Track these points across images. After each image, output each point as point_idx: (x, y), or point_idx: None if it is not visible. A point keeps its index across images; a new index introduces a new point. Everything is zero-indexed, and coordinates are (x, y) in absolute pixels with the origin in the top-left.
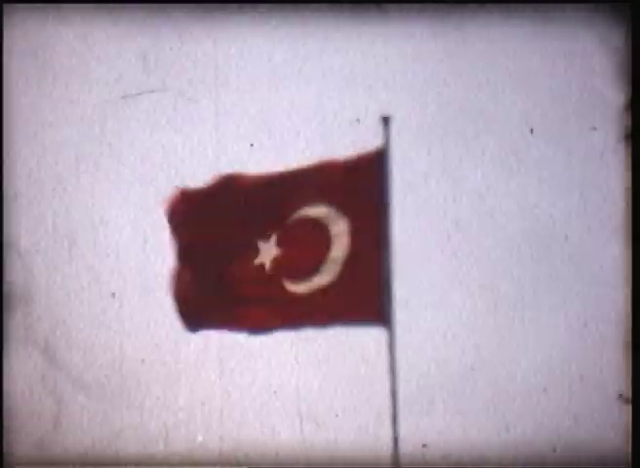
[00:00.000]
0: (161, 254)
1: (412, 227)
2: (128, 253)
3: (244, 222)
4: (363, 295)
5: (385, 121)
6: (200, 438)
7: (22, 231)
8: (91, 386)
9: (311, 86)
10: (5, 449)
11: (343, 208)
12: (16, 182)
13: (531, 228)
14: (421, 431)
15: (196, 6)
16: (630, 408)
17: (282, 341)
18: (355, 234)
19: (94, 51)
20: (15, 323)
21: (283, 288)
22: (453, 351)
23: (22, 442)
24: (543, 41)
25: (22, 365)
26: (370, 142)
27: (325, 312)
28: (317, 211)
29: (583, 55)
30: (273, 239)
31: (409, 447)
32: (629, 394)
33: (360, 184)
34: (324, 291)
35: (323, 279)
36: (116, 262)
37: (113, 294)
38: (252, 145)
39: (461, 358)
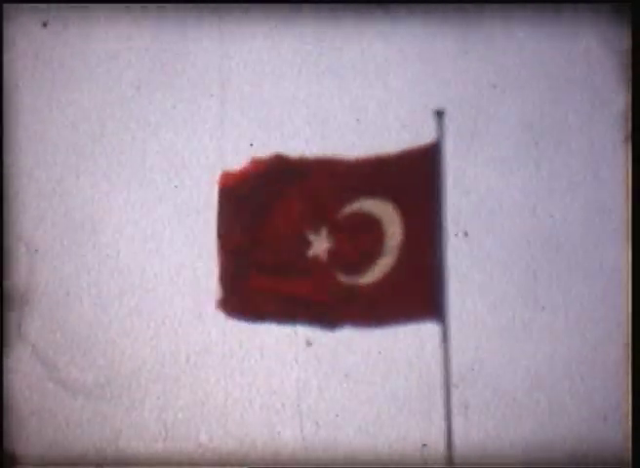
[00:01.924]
0: (161, 254)
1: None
2: (128, 252)
3: (296, 212)
4: (417, 291)
5: (439, 115)
6: (200, 438)
7: (23, 231)
8: (91, 386)
9: (312, 86)
10: (5, 449)
11: (399, 202)
12: (16, 182)
13: (531, 228)
14: (421, 431)
15: (197, 6)
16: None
17: (282, 341)
18: (408, 229)
19: (94, 51)
20: (15, 323)
21: (337, 280)
22: (453, 351)
23: (23, 441)
24: (544, 41)
25: (23, 364)
26: (376, 142)
27: (379, 308)
28: (373, 205)
29: (584, 55)
30: (324, 232)
31: (409, 446)
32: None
33: (414, 179)
34: (378, 286)
35: (376, 274)
36: (116, 262)
37: (113, 294)
38: (252, 145)
39: (461, 358)
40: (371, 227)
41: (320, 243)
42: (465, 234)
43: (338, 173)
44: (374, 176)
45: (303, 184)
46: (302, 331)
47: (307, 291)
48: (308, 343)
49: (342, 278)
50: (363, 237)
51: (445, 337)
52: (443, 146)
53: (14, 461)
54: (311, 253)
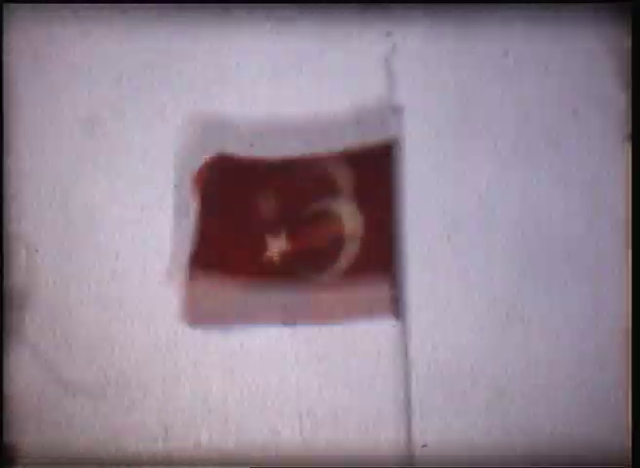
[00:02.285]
0: (161, 254)
1: (411, 226)
2: (128, 252)
3: (255, 211)
4: (376, 290)
5: (397, 111)
6: (200, 438)
7: (22, 231)
8: (91, 386)
9: (312, 86)
10: (5, 449)
11: (358, 198)
12: (16, 182)
13: (531, 228)
14: (421, 431)
15: (197, 6)
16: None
17: (282, 341)
18: (369, 228)
19: (94, 50)
20: (15, 323)
21: (297, 277)
22: (452, 351)
23: (22, 441)
24: (544, 41)
25: (22, 364)
26: (368, 141)
27: (340, 307)
28: (329, 202)
29: (584, 54)
30: (283, 234)
31: (409, 447)
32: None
33: (374, 176)
34: (339, 282)
35: (338, 269)
36: (116, 262)
37: (113, 295)
38: (252, 145)
39: (461, 358)
40: (331, 224)
41: (278, 244)
42: (464, 234)
43: (300, 173)
44: (335, 175)
45: (266, 184)
46: (303, 332)
47: (262, 288)
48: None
49: (301, 275)
50: (323, 235)
51: (405, 336)
52: (403, 142)
53: (14, 461)
54: (267, 254)
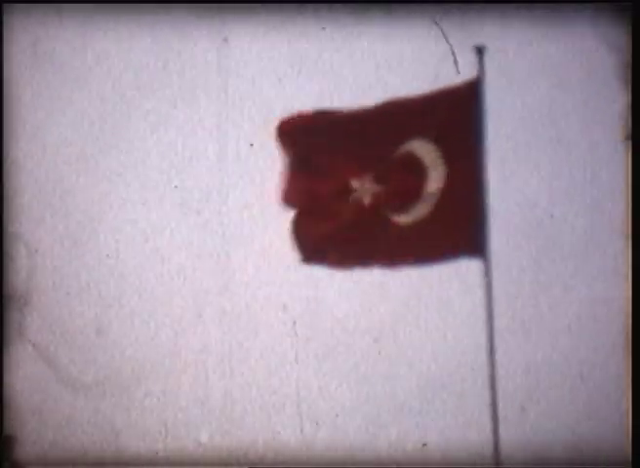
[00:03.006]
0: (161, 254)
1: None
2: (128, 252)
3: (342, 158)
4: (460, 228)
5: (480, 51)
6: (200, 438)
7: (23, 231)
8: (91, 386)
9: (312, 86)
10: (5, 449)
11: (439, 139)
12: (16, 182)
13: (531, 227)
14: (422, 431)
15: (197, 6)
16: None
17: (282, 341)
18: (452, 167)
19: (94, 50)
20: (15, 323)
21: (385, 219)
22: (452, 351)
23: (23, 441)
24: (544, 41)
25: (22, 364)
26: None
27: (426, 245)
28: (416, 145)
29: (585, 54)
30: (370, 177)
31: (409, 447)
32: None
33: (455, 118)
34: (424, 222)
35: (422, 210)
36: (116, 262)
37: (113, 294)
38: (252, 145)
39: (461, 358)
40: (416, 169)
41: (365, 189)
42: None
43: (387, 115)
44: (419, 116)
45: (351, 132)
46: (302, 332)
47: (358, 230)
48: (424, 444)
49: (389, 216)
50: (408, 179)
51: (488, 273)
52: (483, 84)
53: (14, 461)
54: (352, 199)
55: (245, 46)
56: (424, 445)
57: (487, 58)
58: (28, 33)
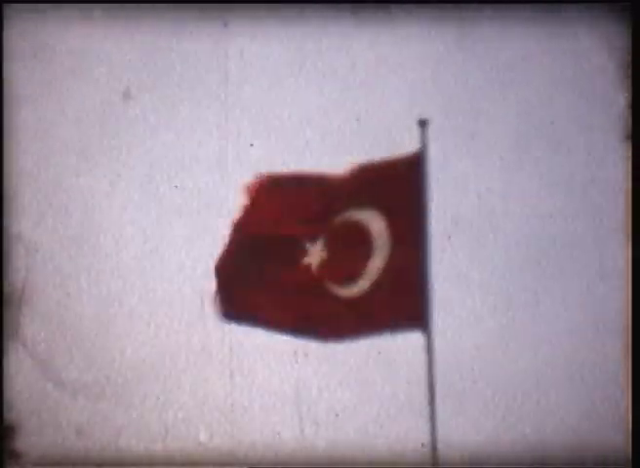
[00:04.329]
0: (161, 254)
1: None
2: (128, 252)
3: (294, 223)
4: (404, 300)
5: (423, 124)
6: (200, 437)
7: (23, 231)
8: (91, 386)
9: (312, 86)
10: (6, 449)
11: (386, 210)
12: (16, 182)
13: (531, 228)
14: (421, 431)
15: (197, 6)
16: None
17: (282, 341)
18: (396, 238)
19: (94, 51)
20: (15, 323)
21: (327, 290)
22: (452, 351)
23: (23, 441)
24: (544, 41)
25: (22, 364)
26: (368, 141)
27: (369, 318)
28: (362, 214)
29: (584, 54)
30: (321, 241)
31: (409, 446)
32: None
33: (401, 187)
34: (367, 295)
35: (365, 283)
36: (116, 262)
37: (113, 294)
38: (252, 145)
39: (461, 358)
40: (363, 240)
41: (316, 252)
42: (464, 234)
43: (327, 186)
44: (361, 187)
45: (296, 197)
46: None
47: (300, 304)
48: None
49: (334, 290)
50: (355, 249)
51: (429, 346)
52: (426, 155)
53: (14, 461)
54: (304, 261)
55: (245, 46)
56: (424, 445)
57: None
58: (28, 33)
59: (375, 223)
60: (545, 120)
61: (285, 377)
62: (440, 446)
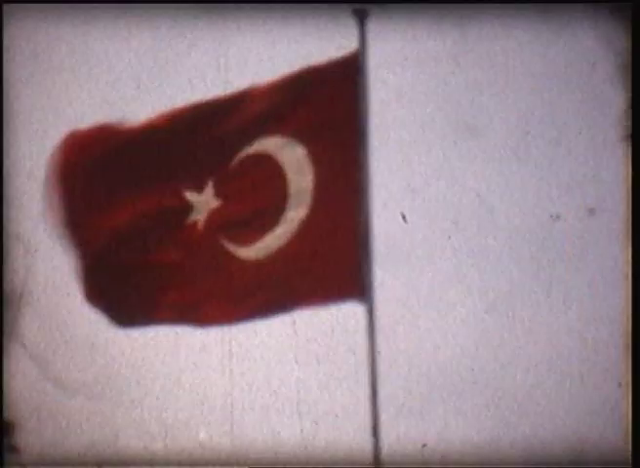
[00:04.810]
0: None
1: (413, 227)
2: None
3: (164, 170)
4: (336, 260)
5: (360, 14)
6: (200, 437)
7: (22, 231)
8: (91, 386)
9: None
10: (6, 449)
11: (301, 136)
12: (16, 182)
13: (531, 228)
14: (421, 431)
15: (197, 5)
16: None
17: (282, 341)
18: (320, 171)
19: (94, 51)
20: (14, 323)
21: (227, 254)
22: (452, 351)
23: (23, 441)
24: (544, 41)
25: (22, 364)
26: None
27: (288, 286)
28: (271, 143)
29: (584, 55)
30: (209, 187)
31: (409, 446)
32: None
33: (329, 101)
34: (282, 254)
35: (280, 238)
36: None
37: None
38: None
39: (461, 358)
40: (270, 177)
41: (203, 204)
42: (464, 234)
43: (236, 107)
44: (276, 106)
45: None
46: (302, 332)
47: (183, 271)
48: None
49: (231, 249)
50: (259, 191)
51: (371, 319)
52: (366, 56)
53: (14, 460)
54: (190, 219)
55: (245, 46)
56: (424, 445)
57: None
58: (28, 33)
59: (289, 156)
60: (545, 120)
61: (285, 377)
62: (440, 446)
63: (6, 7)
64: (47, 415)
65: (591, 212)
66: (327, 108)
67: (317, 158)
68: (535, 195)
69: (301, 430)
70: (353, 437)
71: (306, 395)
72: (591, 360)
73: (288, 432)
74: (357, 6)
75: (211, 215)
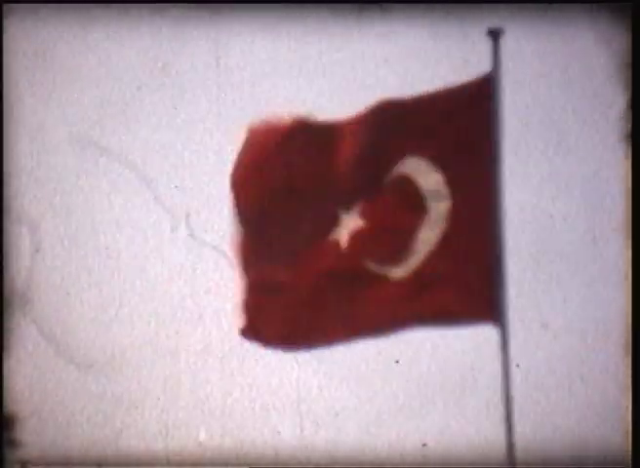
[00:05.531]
0: (161, 255)
1: None
2: (128, 253)
3: (324, 186)
4: (470, 285)
5: (494, 35)
6: (200, 437)
7: (23, 231)
8: (91, 386)
9: (312, 85)
10: (6, 449)
11: (445, 162)
12: (16, 182)
13: (531, 228)
14: (421, 431)
15: (196, 5)
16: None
17: None
18: (459, 199)
19: (94, 51)
20: (15, 323)
21: (369, 273)
22: (452, 351)
23: (23, 441)
24: (544, 41)
25: (22, 364)
26: None
27: (427, 305)
28: (413, 166)
29: (584, 55)
30: (358, 207)
31: (409, 446)
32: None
33: (464, 124)
34: (421, 276)
35: (417, 260)
36: (116, 262)
37: (113, 295)
38: None
39: (461, 358)
40: (409, 200)
41: (350, 222)
42: None
43: (377, 124)
44: (418, 126)
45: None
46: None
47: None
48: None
49: (373, 268)
50: (402, 214)
51: (505, 342)
52: (499, 77)
53: (14, 461)
54: (334, 236)
55: (245, 46)
56: (424, 445)
57: (504, 46)
58: (28, 33)
59: (427, 180)
60: (545, 120)
61: (285, 377)
62: (441, 446)
63: (6, 7)
64: (47, 415)
65: (591, 211)
66: (463, 132)
67: (454, 181)
68: (535, 195)
69: (301, 430)
70: (353, 437)
71: (306, 395)
72: (591, 360)
73: (288, 432)
74: (492, 27)
75: (354, 235)
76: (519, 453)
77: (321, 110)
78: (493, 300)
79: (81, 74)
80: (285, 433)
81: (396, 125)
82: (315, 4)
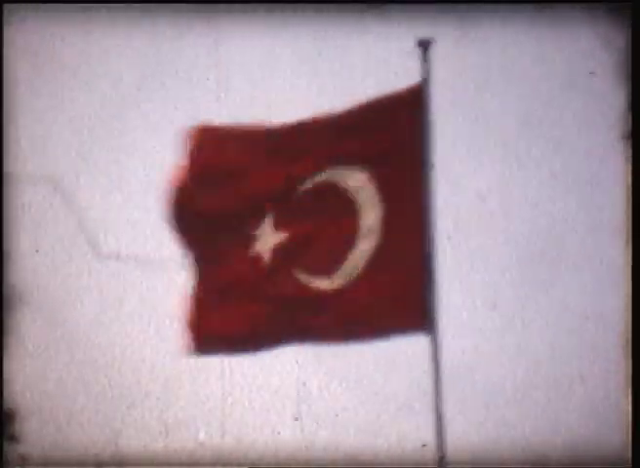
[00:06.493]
0: (161, 255)
1: None
2: (128, 253)
3: (240, 197)
4: (403, 296)
5: (424, 46)
6: (200, 437)
7: (22, 231)
8: (91, 386)
9: (311, 85)
10: (6, 449)
11: (375, 169)
12: (16, 182)
13: (531, 228)
14: (421, 431)
15: (196, 5)
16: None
17: None
18: (390, 208)
19: (94, 50)
20: (15, 323)
21: (298, 284)
22: (452, 351)
23: (23, 441)
24: (544, 41)
25: (22, 365)
26: None
27: (359, 318)
28: (341, 174)
29: (584, 55)
30: (269, 219)
31: (409, 446)
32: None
33: (394, 133)
34: (353, 288)
35: (349, 273)
36: (116, 263)
37: (113, 295)
38: None
39: (462, 358)
40: (341, 209)
41: (267, 236)
42: (464, 234)
43: (302, 134)
44: (347, 134)
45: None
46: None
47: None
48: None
49: (303, 280)
50: (331, 223)
51: (435, 349)
52: (429, 88)
53: (14, 461)
54: (254, 251)
55: (245, 46)
56: (424, 445)
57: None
58: (28, 33)
59: (358, 187)
60: (545, 120)
61: (285, 377)
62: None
63: (6, 7)
64: (47, 415)
65: (591, 211)
66: (391, 139)
67: (386, 189)
68: (535, 195)
69: (301, 430)
70: (353, 437)
71: (306, 395)
72: (591, 360)
73: (288, 432)
74: (421, 37)
75: (276, 247)
76: (519, 453)
77: (321, 110)
78: (424, 308)
79: (81, 74)
80: (285, 433)
81: (323, 135)
82: (315, 4)
